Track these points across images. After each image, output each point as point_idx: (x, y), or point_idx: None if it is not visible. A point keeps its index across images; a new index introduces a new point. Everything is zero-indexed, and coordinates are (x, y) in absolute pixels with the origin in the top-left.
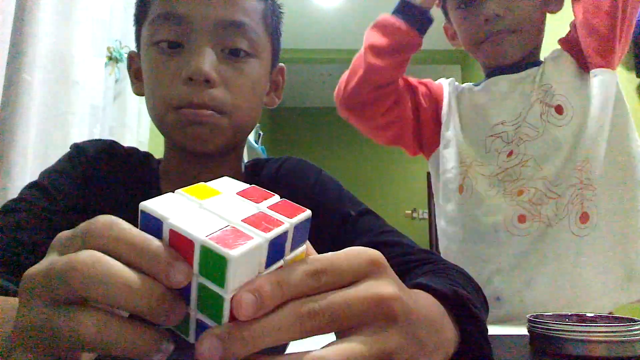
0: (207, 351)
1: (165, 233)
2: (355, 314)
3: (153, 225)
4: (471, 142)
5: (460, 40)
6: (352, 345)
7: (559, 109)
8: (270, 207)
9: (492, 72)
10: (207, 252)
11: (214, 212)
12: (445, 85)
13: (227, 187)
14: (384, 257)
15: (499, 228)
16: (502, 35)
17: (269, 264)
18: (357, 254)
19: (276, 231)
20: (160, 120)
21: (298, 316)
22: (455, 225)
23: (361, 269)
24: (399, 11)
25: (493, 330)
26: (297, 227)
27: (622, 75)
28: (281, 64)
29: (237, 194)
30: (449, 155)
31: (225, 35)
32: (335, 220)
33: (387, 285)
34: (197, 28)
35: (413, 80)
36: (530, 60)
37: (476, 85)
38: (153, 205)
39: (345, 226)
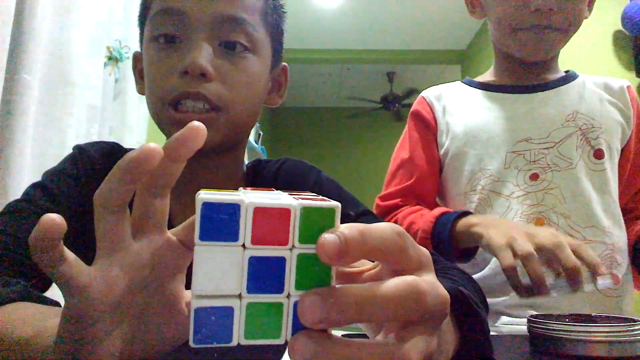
0: (308, 308)
1: (247, 217)
2: (434, 308)
3: (223, 214)
4: (489, 156)
5: (491, 16)
6: (417, 344)
7: (599, 154)
8: (292, 194)
9: (509, 68)
10: (309, 212)
11: (265, 197)
12: (432, 101)
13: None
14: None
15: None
16: (546, 30)
17: None
18: (414, 243)
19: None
20: (157, 117)
21: (411, 292)
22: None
23: (423, 259)
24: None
25: (494, 329)
26: None
27: (622, 75)
28: (284, 64)
29: (252, 189)
30: (454, 179)
31: (222, 30)
32: None
33: (442, 287)
34: (194, 23)
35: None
36: (551, 65)
37: (495, 88)
38: (213, 195)
39: None
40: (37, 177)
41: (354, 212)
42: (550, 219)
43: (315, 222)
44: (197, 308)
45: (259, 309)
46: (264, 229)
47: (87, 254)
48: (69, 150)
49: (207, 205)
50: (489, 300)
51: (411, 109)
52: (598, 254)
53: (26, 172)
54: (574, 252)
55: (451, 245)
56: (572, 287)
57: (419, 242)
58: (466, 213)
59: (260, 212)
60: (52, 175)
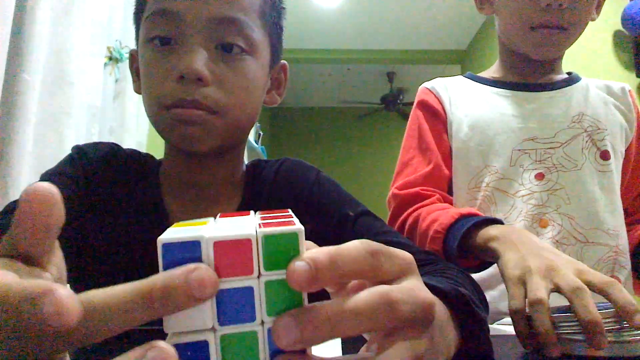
0: (282, 332)
1: (208, 252)
2: (413, 314)
3: (184, 254)
4: (495, 153)
5: (501, 13)
6: (398, 351)
7: (605, 155)
8: (263, 217)
9: (515, 65)
10: (271, 239)
11: (232, 223)
12: (438, 91)
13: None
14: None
15: None
16: (554, 29)
17: None
18: (394, 251)
19: (295, 219)
20: (154, 119)
21: (382, 303)
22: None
23: (404, 267)
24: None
25: (494, 329)
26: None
27: (622, 75)
28: (283, 61)
29: (220, 216)
30: (458, 172)
31: (218, 32)
32: (333, 221)
33: (426, 290)
34: (189, 25)
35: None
36: (556, 65)
37: (502, 84)
38: (173, 234)
39: (344, 227)
40: (36, 177)
41: (353, 213)
42: (554, 220)
43: (279, 249)
44: (172, 345)
45: (234, 339)
46: (227, 261)
47: (84, 255)
48: (68, 151)
49: (167, 246)
50: (489, 299)
51: (416, 100)
52: (601, 257)
53: (26, 173)
54: (603, 292)
55: (460, 255)
56: (591, 346)
57: (432, 237)
58: (491, 221)
59: (221, 246)
60: (50, 176)
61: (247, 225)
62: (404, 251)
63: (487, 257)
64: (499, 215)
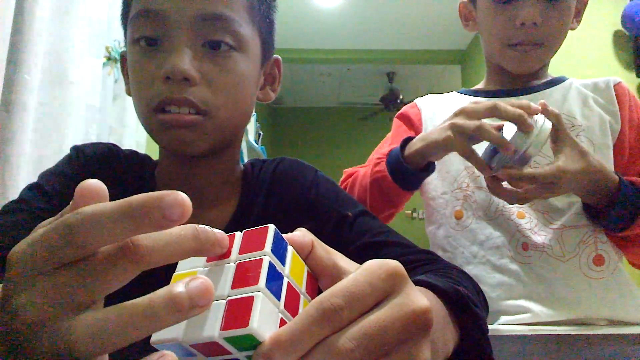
0: None
1: (191, 349)
2: (393, 338)
3: (176, 349)
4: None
5: (482, 31)
6: None
7: None
8: (241, 251)
9: (499, 77)
10: (231, 339)
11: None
12: (421, 105)
13: (197, 261)
14: (402, 266)
15: (504, 253)
16: (531, 45)
17: (277, 295)
18: (375, 270)
19: (263, 272)
20: (144, 122)
21: (332, 357)
22: (455, 250)
23: (384, 287)
24: (395, 175)
25: (493, 330)
26: (274, 248)
27: (622, 75)
28: (276, 56)
29: (207, 261)
30: (437, 180)
31: (205, 29)
32: (332, 221)
33: (417, 298)
34: (174, 24)
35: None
36: (539, 73)
37: (484, 93)
38: (160, 336)
39: (343, 227)
40: (35, 177)
41: (352, 212)
42: (530, 214)
43: (242, 340)
44: None
45: None
46: (209, 349)
47: None
48: (67, 151)
49: (159, 346)
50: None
51: (400, 111)
52: (581, 238)
53: (25, 172)
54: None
55: (407, 166)
56: (522, 131)
57: (373, 176)
58: (408, 139)
59: (197, 345)
60: (48, 176)
61: (213, 317)
62: (385, 263)
63: (420, 159)
64: (479, 213)
